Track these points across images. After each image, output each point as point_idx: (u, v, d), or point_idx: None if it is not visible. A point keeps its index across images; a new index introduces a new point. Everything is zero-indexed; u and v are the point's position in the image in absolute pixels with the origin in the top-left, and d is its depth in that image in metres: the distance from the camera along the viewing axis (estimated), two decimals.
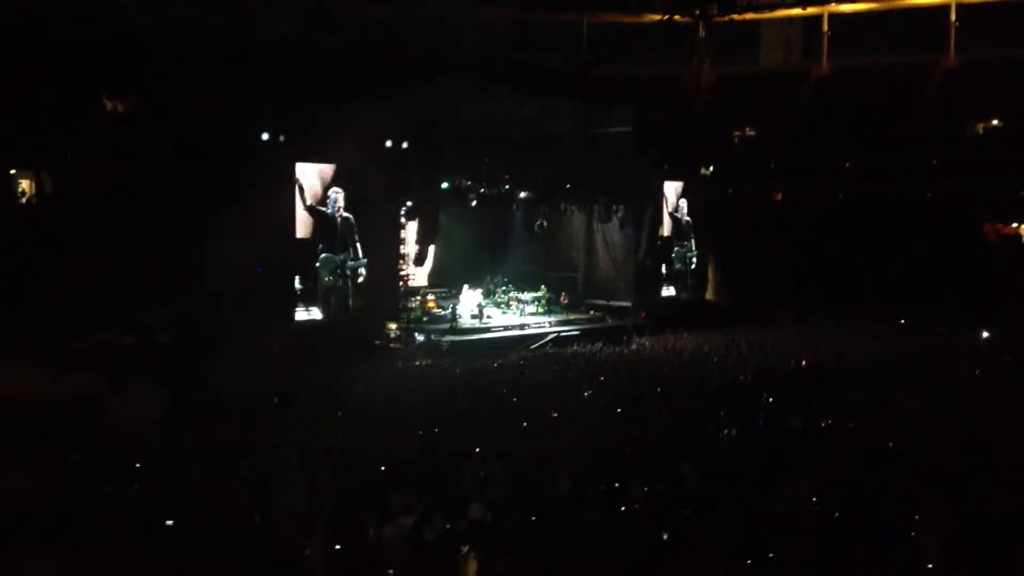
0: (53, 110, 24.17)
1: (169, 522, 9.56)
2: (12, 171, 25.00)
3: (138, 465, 11.69)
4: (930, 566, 8.65)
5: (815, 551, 8.91)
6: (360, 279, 24.64)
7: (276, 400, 16.68)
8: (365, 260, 24.55)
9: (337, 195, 24.23)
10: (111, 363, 18.93)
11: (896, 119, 36.62)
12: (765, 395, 18.24)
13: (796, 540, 9.15)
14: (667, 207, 32.24)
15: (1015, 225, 35.46)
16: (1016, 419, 16.26)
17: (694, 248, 33.12)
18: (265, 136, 22.89)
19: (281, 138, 23.08)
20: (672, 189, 32.51)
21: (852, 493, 10.97)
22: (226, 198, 22.59)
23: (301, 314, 23.53)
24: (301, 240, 23.65)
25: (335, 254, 24.29)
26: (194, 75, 25.53)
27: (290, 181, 23.31)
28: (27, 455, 12.39)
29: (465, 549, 8.83)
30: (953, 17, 39.49)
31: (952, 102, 37.35)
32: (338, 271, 24.30)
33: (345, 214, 24.39)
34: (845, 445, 14.07)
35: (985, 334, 27.06)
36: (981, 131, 37.22)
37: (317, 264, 23.98)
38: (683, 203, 32.86)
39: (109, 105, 26.12)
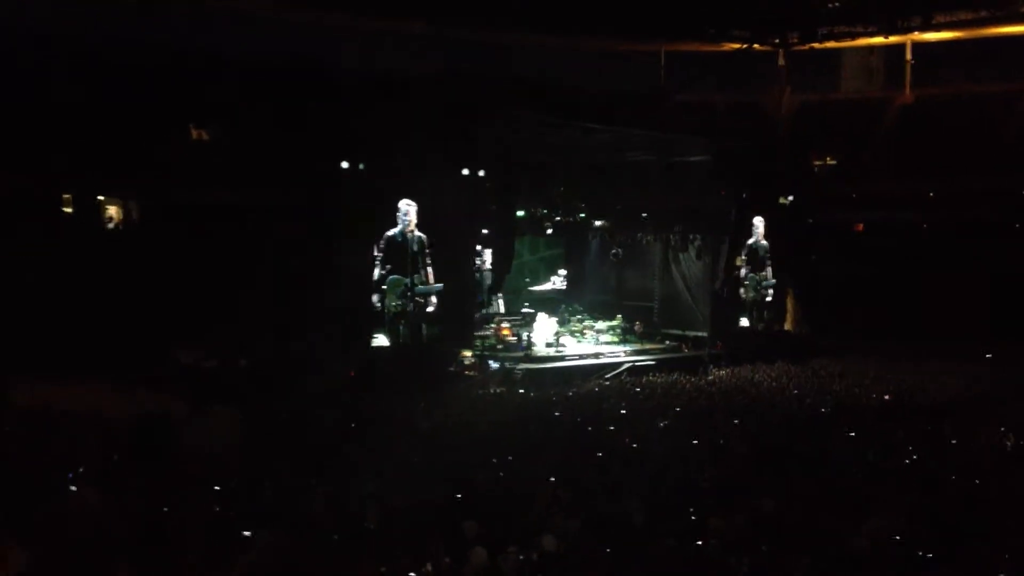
0: (143, 137, 24.80)
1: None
2: (100, 197, 25.75)
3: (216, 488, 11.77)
4: None
5: None
6: (431, 307, 23.41)
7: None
8: (440, 286, 23.51)
9: (409, 208, 22.80)
10: (192, 386, 19.23)
11: (981, 148, 35.87)
12: (846, 429, 17.87)
13: None
14: (745, 237, 31.90)
15: None
16: None
17: (771, 278, 32.67)
18: (345, 164, 22.58)
19: (361, 166, 22.83)
20: (751, 218, 32.14)
21: (938, 531, 10.66)
22: (309, 225, 22.84)
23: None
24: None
25: (404, 275, 22.85)
26: (281, 102, 25.98)
27: (373, 209, 22.68)
28: (104, 473, 12.57)
29: None
30: None
31: None
32: (408, 295, 22.91)
33: (418, 233, 22.94)
34: (930, 482, 13.68)
35: None
36: None
37: (384, 287, 22.82)
38: (760, 231, 32.48)
39: (195, 133, 26.76)
